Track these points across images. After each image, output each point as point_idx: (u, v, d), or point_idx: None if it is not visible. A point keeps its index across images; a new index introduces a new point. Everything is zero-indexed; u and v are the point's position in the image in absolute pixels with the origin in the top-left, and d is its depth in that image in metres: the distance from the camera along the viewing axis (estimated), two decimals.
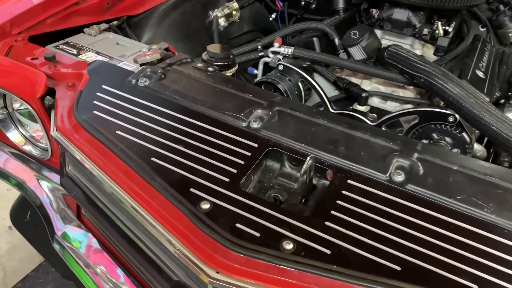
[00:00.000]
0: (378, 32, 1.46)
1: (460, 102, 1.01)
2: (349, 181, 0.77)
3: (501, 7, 1.64)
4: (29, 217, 1.44)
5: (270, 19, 2.07)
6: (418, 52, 1.45)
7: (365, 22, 1.47)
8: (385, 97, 1.34)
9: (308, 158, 0.73)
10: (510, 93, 1.70)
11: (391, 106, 1.35)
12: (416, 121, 1.16)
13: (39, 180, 1.25)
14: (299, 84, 1.30)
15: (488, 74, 1.37)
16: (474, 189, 0.74)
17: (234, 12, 1.74)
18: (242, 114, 0.90)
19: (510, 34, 1.65)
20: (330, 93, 1.38)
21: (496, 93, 1.62)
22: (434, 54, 1.35)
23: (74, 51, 1.23)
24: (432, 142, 1.17)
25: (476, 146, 1.24)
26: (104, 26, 1.38)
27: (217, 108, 0.92)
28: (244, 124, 0.89)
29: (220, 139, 0.85)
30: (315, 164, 0.80)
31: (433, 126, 1.14)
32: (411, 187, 0.75)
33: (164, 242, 0.72)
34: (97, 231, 1.07)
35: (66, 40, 1.30)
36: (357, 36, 1.36)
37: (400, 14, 1.34)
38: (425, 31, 1.39)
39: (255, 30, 1.89)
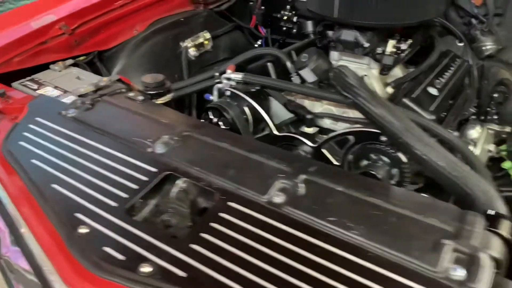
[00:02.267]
0: (335, 54, 1.45)
1: (381, 122, 0.98)
2: (229, 203, 0.77)
3: (473, 21, 1.59)
4: None
5: (256, 45, 2.12)
6: (375, 72, 1.42)
7: (318, 44, 1.47)
8: (336, 118, 1.32)
9: (179, 181, 0.74)
10: (488, 109, 1.62)
11: (342, 127, 1.33)
12: (353, 141, 1.13)
13: None
14: (246, 109, 1.31)
15: (445, 91, 1.32)
16: (350, 211, 0.72)
17: (206, 42, 1.80)
18: (149, 140, 0.93)
19: (483, 48, 1.59)
20: (285, 116, 1.39)
21: (471, 109, 1.55)
22: (380, 73, 1.32)
23: (35, 87, 1.33)
24: (370, 162, 1.14)
25: None
26: (69, 61, 1.48)
27: (129, 134, 0.96)
28: (149, 150, 0.91)
29: (121, 164, 0.88)
30: (205, 187, 0.81)
31: (368, 146, 1.11)
32: (287, 209, 0.74)
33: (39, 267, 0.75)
34: None
35: (32, 76, 1.40)
36: (306, 59, 1.36)
37: (348, 35, 1.33)
38: (379, 50, 1.37)
39: (230, 57, 1.93)
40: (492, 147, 1.33)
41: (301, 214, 0.73)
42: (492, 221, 0.71)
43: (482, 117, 1.62)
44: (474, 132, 1.36)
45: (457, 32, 1.64)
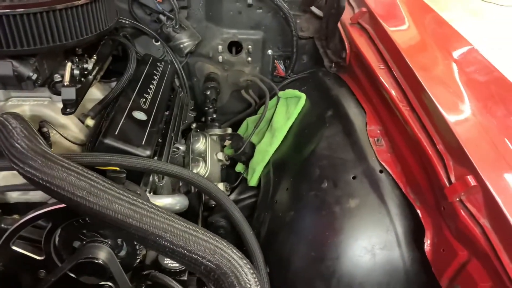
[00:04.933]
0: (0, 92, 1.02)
1: (63, 196, 0.68)
2: None
3: (161, 17, 1.42)
4: None
5: None
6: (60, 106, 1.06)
7: None
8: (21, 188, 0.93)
9: None
10: (206, 108, 1.52)
11: (38, 195, 0.95)
12: (49, 226, 0.79)
13: None
14: None
15: (155, 108, 1.10)
16: None
17: None
18: None
19: (181, 46, 1.45)
20: None
21: (190, 113, 1.41)
22: (63, 113, 0.97)
23: None
24: (85, 241, 0.83)
25: (170, 200, 0.98)
26: None
27: None
28: None
29: None
30: None
31: (72, 225, 0.80)
32: None
33: None
34: None
35: None
36: None
37: (1, 68, 0.93)
38: (58, 77, 1.02)
39: None
40: (220, 155, 1.22)
41: None
42: None
43: (203, 119, 1.52)
44: (200, 145, 1.22)
45: (149, 31, 1.46)
